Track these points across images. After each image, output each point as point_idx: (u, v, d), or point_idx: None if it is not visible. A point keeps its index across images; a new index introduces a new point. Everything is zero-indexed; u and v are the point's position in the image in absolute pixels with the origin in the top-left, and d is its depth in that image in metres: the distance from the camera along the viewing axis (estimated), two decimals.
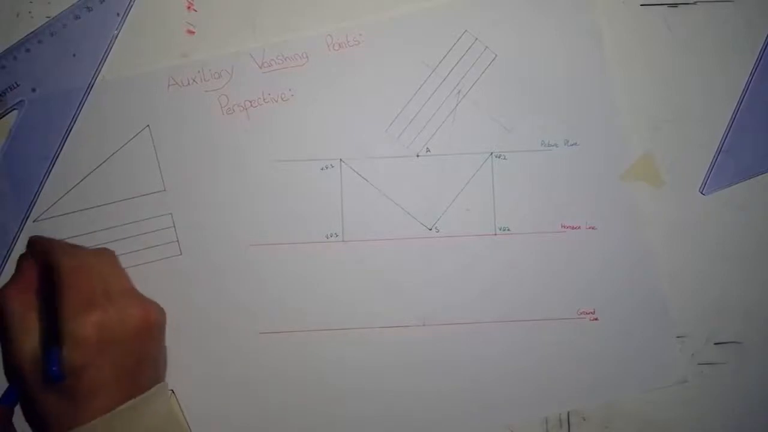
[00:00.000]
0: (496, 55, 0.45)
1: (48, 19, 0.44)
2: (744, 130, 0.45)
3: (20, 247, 0.43)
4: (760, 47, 0.46)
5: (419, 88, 0.45)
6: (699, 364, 0.45)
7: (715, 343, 0.45)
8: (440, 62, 0.45)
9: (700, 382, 0.45)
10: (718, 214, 0.45)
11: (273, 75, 0.44)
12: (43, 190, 0.43)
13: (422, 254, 0.44)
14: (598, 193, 0.45)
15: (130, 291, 0.41)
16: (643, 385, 0.44)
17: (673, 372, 0.45)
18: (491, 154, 0.45)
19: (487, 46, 0.45)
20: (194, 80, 0.44)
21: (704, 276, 0.45)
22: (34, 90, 0.43)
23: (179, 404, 0.43)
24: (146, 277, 0.42)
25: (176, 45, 0.44)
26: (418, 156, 0.45)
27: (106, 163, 0.44)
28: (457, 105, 0.45)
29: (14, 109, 0.43)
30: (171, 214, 0.44)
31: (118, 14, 0.44)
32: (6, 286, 0.40)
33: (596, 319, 0.44)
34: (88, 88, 0.44)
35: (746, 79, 0.45)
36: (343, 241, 0.44)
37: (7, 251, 0.43)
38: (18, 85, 0.43)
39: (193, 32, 0.44)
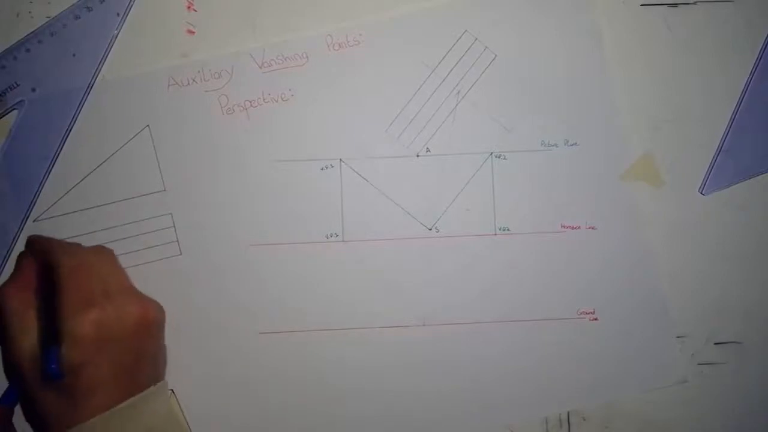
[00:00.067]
0: (496, 55, 0.45)
1: (48, 19, 0.44)
2: (744, 130, 0.45)
3: (20, 247, 0.43)
4: (760, 47, 0.46)
5: (419, 88, 0.45)
6: (699, 364, 0.45)
7: (715, 343, 0.45)
8: (440, 62, 0.45)
9: (700, 382, 0.45)
10: (718, 214, 0.45)
11: (273, 75, 0.44)
12: (43, 190, 0.43)
13: (422, 254, 0.44)
14: (598, 193, 0.45)
15: (128, 289, 0.41)
16: (643, 385, 0.44)
17: (673, 372, 0.45)
18: (491, 154, 0.45)
19: (487, 46, 0.45)
20: (194, 80, 0.44)
21: (704, 276, 0.45)
22: (34, 90, 0.43)
23: (179, 404, 0.43)
24: (146, 277, 0.42)
25: (176, 45, 0.44)
26: (418, 156, 0.45)
27: (106, 163, 0.44)
28: (456, 105, 0.45)
29: (14, 109, 0.43)
30: (171, 214, 0.44)
31: (118, 14, 0.44)
32: (5, 284, 0.40)
33: (596, 319, 0.44)
34: (88, 88, 0.44)
35: (746, 79, 0.45)
36: (343, 241, 0.44)
37: (7, 251, 0.43)
38: (18, 85, 0.43)
39: (193, 32, 0.44)
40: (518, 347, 0.44)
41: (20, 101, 0.43)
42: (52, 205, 0.43)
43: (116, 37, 0.44)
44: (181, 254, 0.44)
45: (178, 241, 0.44)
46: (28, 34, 0.43)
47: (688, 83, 0.45)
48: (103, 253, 0.41)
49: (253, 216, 0.44)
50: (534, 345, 0.44)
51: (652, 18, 0.45)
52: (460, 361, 0.44)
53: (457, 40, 0.45)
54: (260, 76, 0.44)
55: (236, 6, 0.44)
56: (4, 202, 0.43)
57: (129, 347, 0.38)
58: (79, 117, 0.44)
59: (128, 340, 0.38)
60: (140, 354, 0.39)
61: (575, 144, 0.45)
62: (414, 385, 0.44)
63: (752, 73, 0.45)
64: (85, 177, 0.43)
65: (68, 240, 0.43)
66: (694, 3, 0.45)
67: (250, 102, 0.44)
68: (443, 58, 0.45)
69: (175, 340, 0.42)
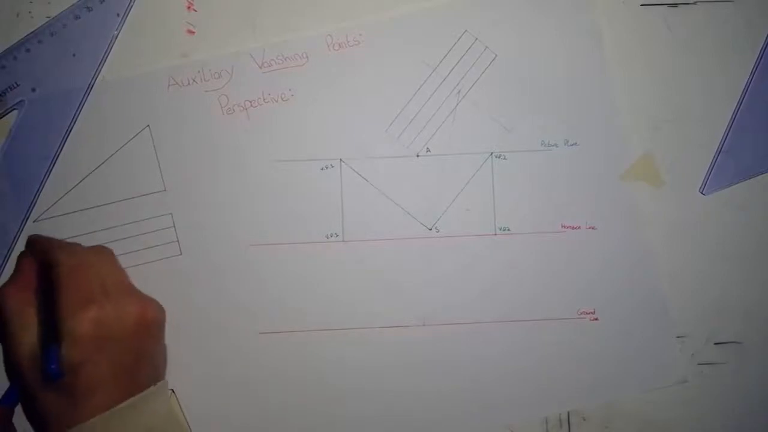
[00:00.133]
0: (496, 55, 0.45)
1: (48, 19, 0.44)
2: (744, 130, 0.45)
3: (20, 247, 0.43)
4: (760, 47, 0.46)
5: (419, 88, 0.45)
6: (699, 364, 0.45)
7: (715, 343, 0.45)
8: (440, 62, 0.45)
9: (700, 382, 0.45)
10: (718, 214, 0.45)
11: (273, 75, 0.44)
12: (43, 190, 0.43)
13: (422, 254, 0.44)
14: (598, 193, 0.45)
15: (128, 288, 0.41)
16: (643, 385, 0.44)
17: (673, 372, 0.45)
18: (491, 154, 0.45)
19: (487, 46, 0.45)
20: (194, 80, 0.44)
21: (704, 276, 0.45)
22: (34, 90, 0.43)
23: (179, 404, 0.43)
24: (146, 277, 0.42)
25: (176, 45, 0.44)
26: (418, 156, 0.45)
27: (106, 163, 0.44)
28: (457, 105, 0.45)
29: (14, 109, 0.43)
30: (171, 214, 0.44)
31: (118, 14, 0.44)
32: (5, 284, 0.40)
33: (596, 319, 0.44)
34: (88, 88, 0.44)
35: (746, 79, 0.45)
36: (343, 241, 0.44)
37: (7, 251, 0.43)
38: (18, 85, 0.43)
39: (193, 32, 0.44)
40: (518, 347, 0.44)
41: (20, 101, 0.43)
42: (53, 205, 0.43)
43: (116, 38, 0.44)
44: (181, 254, 0.44)
45: (178, 241, 0.44)
46: (28, 34, 0.44)
47: (688, 83, 0.45)
48: (102, 252, 0.41)
49: (253, 216, 0.44)
50: (534, 345, 0.44)
51: (652, 18, 0.45)
52: (460, 361, 0.44)
53: (458, 40, 0.45)
54: (260, 76, 0.44)
55: (236, 6, 0.44)
56: (4, 202, 0.43)
57: (129, 347, 0.38)
58: (79, 117, 0.44)
59: (128, 340, 0.38)
60: (140, 353, 0.39)
61: (575, 144, 0.45)
62: (414, 385, 0.44)
63: (752, 73, 0.45)
64: (85, 177, 0.43)
65: (68, 240, 0.43)
66: (694, 3, 0.45)
67: (250, 102, 0.44)
68: (443, 58, 0.45)
69: (175, 340, 0.42)
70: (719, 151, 0.45)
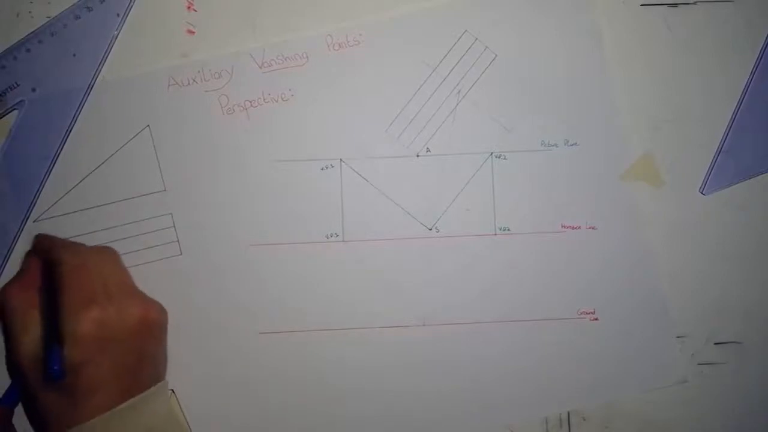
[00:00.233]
0: (496, 55, 0.45)
1: (48, 19, 0.44)
2: (744, 130, 0.45)
3: (20, 247, 0.43)
4: (760, 47, 0.46)
5: (419, 88, 0.45)
6: (699, 364, 0.45)
7: (715, 343, 0.45)
8: (440, 62, 0.45)
9: (700, 382, 0.45)
10: (718, 214, 0.45)
11: (273, 75, 0.44)
12: (43, 190, 0.43)
13: (422, 254, 0.44)
14: (598, 193, 0.45)
15: (131, 289, 0.41)
16: (643, 385, 0.44)
17: (673, 372, 0.45)
18: (491, 154, 0.45)
19: (487, 46, 0.45)
20: (194, 80, 0.44)
21: (704, 276, 0.45)
22: (34, 90, 0.43)
23: (179, 404, 0.43)
24: (146, 277, 0.42)
25: (176, 45, 0.44)
26: (418, 156, 0.45)
27: (106, 163, 0.44)
28: (457, 105, 0.45)
29: (14, 109, 0.43)
30: (171, 214, 0.44)
31: (118, 14, 0.44)
32: (9, 283, 0.40)
33: (596, 319, 0.44)
34: (88, 88, 0.44)
35: (746, 79, 0.45)
36: (343, 241, 0.44)
37: (8, 251, 0.43)
38: (18, 85, 0.43)
39: (193, 32, 0.44)
40: (518, 347, 0.44)
41: (20, 101, 0.43)
42: (53, 205, 0.43)
43: (116, 38, 0.44)
44: (181, 254, 0.44)
45: (178, 241, 0.44)
46: (28, 34, 0.44)
47: (688, 83, 0.45)
48: (106, 252, 0.41)
49: (253, 216, 0.44)
50: (534, 345, 0.44)
51: (652, 18, 0.45)
52: (460, 361, 0.44)
53: (458, 40, 0.45)
54: (260, 76, 0.44)
55: (236, 6, 0.44)
56: (4, 202, 0.43)
57: (130, 347, 0.38)
58: (79, 117, 0.44)
59: (129, 341, 0.38)
60: (142, 354, 0.39)
61: (575, 144, 0.45)
62: (414, 385, 0.44)
63: (752, 73, 0.45)
64: (85, 177, 0.43)
65: (69, 240, 0.43)
66: (694, 3, 0.45)
67: (250, 102, 0.44)
68: (443, 58, 0.45)
69: (175, 340, 0.42)
70: (719, 151, 0.45)
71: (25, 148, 0.43)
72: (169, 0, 0.44)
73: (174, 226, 0.44)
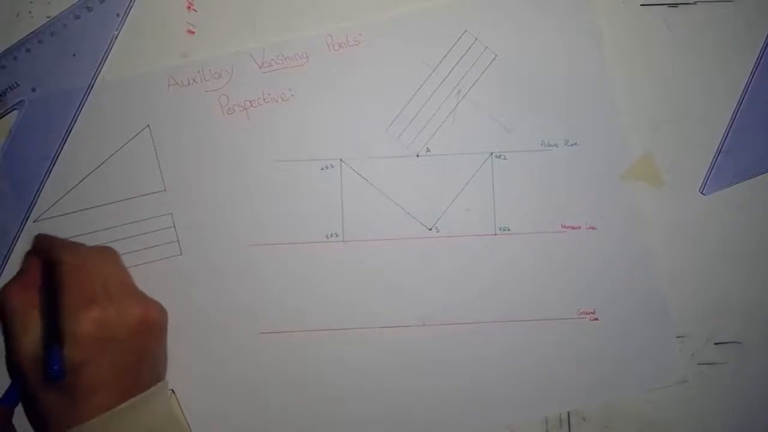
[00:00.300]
0: (496, 55, 0.45)
1: (48, 19, 0.44)
2: (744, 130, 0.45)
3: (20, 247, 0.43)
4: (760, 47, 0.46)
5: (419, 88, 0.45)
6: (699, 364, 0.45)
7: (715, 343, 0.45)
8: (440, 62, 0.45)
9: (700, 382, 0.45)
10: (718, 214, 0.45)
11: (273, 75, 0.44)
12: (43, 190, 0.43)
13: (422, 254, 0.44)
14: (598, 193, 0.45)
15: (131, 289, 0.41)
16: (643, 385, 0.44)
17: (673, 372, 0.45)
18: (491, 154, 0.45)
19: (487, 46, 0.45)
20: (194, 80, 0.44)
21: (704, 276, 0.45)
22: (34, 90, 0.43)
23: (179, 404, 0.43)
24: (146, 277, 0.42)
25: (176, 45, 0.44)
26: (418, 156, 0.45)
27: (106, 163, 0.44)
28: (457, 105, 0.45)
29: (14, 109, 0.43)
30: (171, 214, 0.44)
31: (118, 15, 0.44)
32: (9, 283, 0.40)
33: (596, 319, 0.44)
34: (88, 88, 0.44)
35: (746, 79, 0.45)
36: (343, 241, 0.44)
37: (8, 251, 0.43)
38: (18, 85, 0.43)
39: (193, 32, 0.44)
40: (518, 347, 0.44)
41: (20, 101, 0.43)
42: (53, 205, 0.43)
43: (116, 38, 0.44)
44: (181, 254, 0.44)
45: (178, 241, 0.44)
46: (28, 34, 0.44)
47: (688, 83, 0.45)
48: (106, 252, 0.41)
49: (253, 216, 0.44)
50: (534, 345, 0.44)
51: (652, 18, 0.45)
52: (460, 361, 0.44)
53: (458, 40, 0.45)
54: (260, 76, 0.44)
55: (236, 6, 0.44)
56: (4, 202, 0.43)
57: (130, 347, 0.38)
58: (79, 117, 0.44)
59: (129, 341, 0.38)
60: (142, 355, 0.39)
61: (575, 144, 0.45)
62: (414, 385, 0.44)
63: (752, 73, 0.45)
64: (85, 177, 0.43)
65: (69, 240, 0.43)
66: (694, 3, 0.45)
67: (250, 102, 0.44)
68: (443, 58, 0.45)
69: (175, 340, 0.42)
70: (719, 151, 0.45)
71: (25, 148, 0.43)
72: (169, 0, 0.44)
73: (174, 226, 0.44)
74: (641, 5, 0.45)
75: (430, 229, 0.45)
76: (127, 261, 0.42)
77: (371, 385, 0.44)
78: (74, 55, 0.44)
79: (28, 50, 0.43)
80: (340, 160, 0.44)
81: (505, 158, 0.45)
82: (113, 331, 0.37)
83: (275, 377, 0.44)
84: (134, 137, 0.44)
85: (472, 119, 0.45)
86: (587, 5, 0.45)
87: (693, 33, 0.45)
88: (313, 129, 0.44)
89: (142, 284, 0.42)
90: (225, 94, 0.44)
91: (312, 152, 0.44)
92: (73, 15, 0.44)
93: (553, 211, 0.45)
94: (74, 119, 0.43)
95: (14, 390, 0.40)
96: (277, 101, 0.44)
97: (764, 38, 0.46)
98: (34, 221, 0.43)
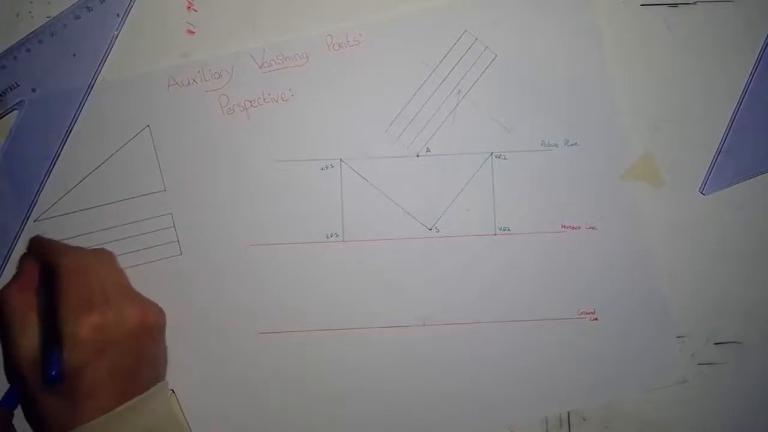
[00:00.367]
0: (496, 55, 0.45)
1: (48, 19, 0.44)
2: (744, 130, 0.45)
3: (20, 247, 0.43)
4: (760, 47, 0.46)
5: (419, 88, 0.45)
6: (699, 364, 0.45)
7: (715, 343, 0.45)
8: (440, 62, 0.45)
9: (700, 382, 0.45)
10: (718, 214, 0.45)
11: (273, 75, 0.44)
12: (43, 190, 0.43)
13: (422, 254, 0.44)
14: (598, 193, 0.45)
15: (128, 291, 0.41)
16: (643, 385, 0.44)
17: (673, 372, 0.45)
18: (491, 154, 0.45)
19: (487, 46, 0.45)
20: (194, 80, 0.44)
21: (704, 276, 0.45)
22: (34, 90, 0.43)
23: (179, 404, 0.43)
24: (146, 277, 0.42)
25: (176, 45, 0.44)
26: (418, 156, 0.45)
27: (106, 163, 0.44)
28: (457, 105, 0.45)
29: (14, 109, 0.43)
30: (171, 214, 0.44)
31: (118, 15, 0.44)
32: (7, 286, 0.40)
33: (596, 319, 0.44)
34: (88, 88, 0.44)
35: (746, 79, 0.45)
36: (343, 241, 0.44)
37: (8, 251, 0.43)
38: (18, 85, 0.43)
39: (193, 32, 0.44)
40: (518, 347, 0.44)
41: (20, 101, 0.43)
42: (53, 205, 0.43)
43: (116, 38, 0.44)
44: (181, 254, 0.44)
45: (178, 241, 0.44)
46: (28, 34, 0.44)
47: (688, 83, 0.45)
48: (103, 255, 0.41)
49: (253, 216, 0.44)
50: (534, 345, 0.44)
51: (652, 18, 0.45)
52: (460, 361, 0.44)
53: (458, 40, 0.45)
54: (260, 76, 0.44)
55: (236, 6, 0.44)
56: (4, 202, 0.43)
57: (129, 350, 0.38)
58: (79, 117, 0.44)
59: (128, 343, 0.38)
60: (140, 356, 0.39)
61: (575, 144, 0.45)
62: (414, 385, 0.44)
63: (752, 73, 0.45)
64: (85, 177, 0.43)
65: (69, 240, 0.43)
66: (694, 3, 0.45)
67: (250, 102, 0.44)
68: (443, 58, 0.45)
69: (175, 340, 0.42)
70: (719, 151, 0.45)
71: (25, 148, 0.43)
72: (169, 0, 0.44)
73: (174, 226, 0.44)
74: (641, 5, 0.45)
75: (430, 229, 0.45)
76: (127, 261, 0.42)
77: (371, 385, 0.44)
78: (74, 55, 0.44)
79: (28, 50, 0.43)
80: (340, 160, 0.44)
81: (505, 158, 0.45)
82: (111, 334, 0.37)
83: (275, 377, 0.44)
84: (134, 137, 0.44)
85: (472, 119, 0.45)
86: (587, 5, 0.45)
87: (693, 33, 0.45)
88: (313, 129, 0.44)
89: (142, 284, 0.42)
90: (225, 94, 0.44)
91: (312, 152, 0.44)
92: (73, 15, 0.44)
93: (553, 211, 0.45)
94: (74, 119, 0.43)
95: (13, 392, 0.40)
96: (277, 101, 0.44)
97: (764, 38, 0.46)
98: (34, 221, 0.43)
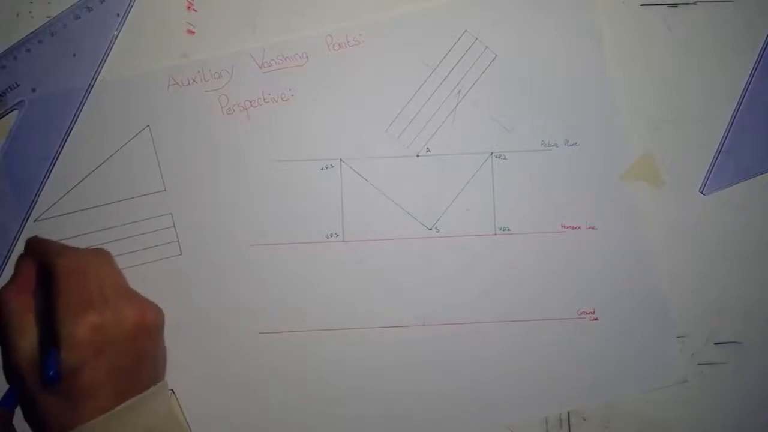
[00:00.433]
0: (496, 55, 0.45)
1: (48, 19, 0.44)
2: (744, 130, 0.45)
3: (20, 247, 0.43)
4: (760, 47, 0.46)
5: (419, 88, 0.45)
6: (699, 364, 0.45)
7: (715, 343, 0.45)
8: (440, 62, 0.45)
9: (700, 382, 0.45)
10: (718, 214, 0.45)
11: (273, 75, 0.44)
12: (43, 190, 0.43)
13: (422, 254, 0.44)
14: (598, 193, 0.45)
15: (126, 291, 0.41)
16: (643, 385, 0.44)
17: (673, 372, 0.45)
18: (491, 154, 0.45)
19: (487, 46, 0.45)
20: (194, 80, 0.44)
21: (704, 276, 0.45)
22: (34, 90, 0.43)
23: (179, 404, 0.43)
24: (146, 277, 0.42)
25: (176, 45, 0.44)
26: (418, 156, 0.45)
27: (106, 163, 0.44)
28: (457, 105, 0.45)
29: (14, 109, 0.43)
30: (171, 214, 0.44)
31: (118, 14, 0.44)
32: (4, 287, 0.40)
33: (596, 319, 0.44)
34: (88, 88, 0.44)
35: (746, 79, 0.45)
36: (343, 241, 0.44)
37: (8, 251, 0.43)
38: (18, 85, 0.43)
39: (193, 32, 0.44)
40: (518, 347, 0.44)
41: (20, 101, 0.43)
42: (53, 206, 0.43)
43: (116, 38, 0.44)
44: (181, 254, 0.44)
45: (178, 241, 0.44)
46: (28, 34, 0.44)
47: (688, 83, 0.45)
48: (101, 255, 0.41)
49: (253, 216, 0.44)
50: (534, 345, 0.44)
51: (652, 18, 0.45)
52: (460, 361, 0.44)
53: (458, 40, 0.45)
54: (260, 76, 0.44)
55: (236, 6, 0.44)
56: (4, 202, 0.43)
57: (127, 350, 0.38)
58: (79, 117, 0.44)
59: (126, 343, 0.38)
60: (139, 356, 0.39)
61: (575, 144, 0.45)
62: (414, 385, 0.44)
63: (752, 73, 0.45)
64: (85, 177, 0.43)
65: (69, 240, 0.43)
66: (694, 3, 0.45)
67: (250, 102, 0.44)
68: (443, 58, 0.45)
69: (175, 340, 0.42)
70: (719, 151, 0.45)
71: (25, 148, 0.43)
72: (169, 0, 0.44)
73: (174, 226, 0.44)
74: (641, 5, 0.45)
75: (430, 229, 0.45)
76: (126, 261, 0.42)
77: (371, 385, 0.44)
78: (74, 55, 0.44)
79: (28, 50, 0.43)
80: (340, 160, 0.44)
81: (505, 158, 0.45)
82: (110, 334, 0.37)
83: (275, 377, 0.44)
84: (134, 137, 0.44)
85: (472, 119, 0.45)
86: (587, 5, 0.45)
87: (693, 33, 0.45)
88: (313, 129, 0.44)
89: (141, 284, 0.42)
90: (225, 94, 0.44)
91: (312, 152, 0.44)
92: (73, 15, 0.44)
93: (553, 211, 0.45)
94: (74, 119, 0.43)
95: (13, 393, 0.40)
96: (277, 101, 0.44)
97: (764, 38, 0.46)
98: (34, 221, 0.43)
